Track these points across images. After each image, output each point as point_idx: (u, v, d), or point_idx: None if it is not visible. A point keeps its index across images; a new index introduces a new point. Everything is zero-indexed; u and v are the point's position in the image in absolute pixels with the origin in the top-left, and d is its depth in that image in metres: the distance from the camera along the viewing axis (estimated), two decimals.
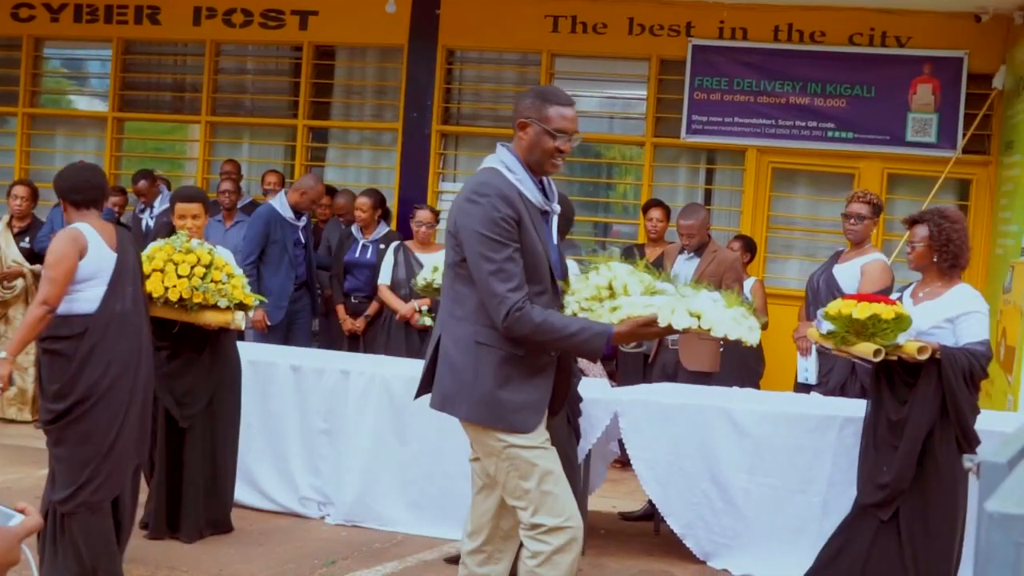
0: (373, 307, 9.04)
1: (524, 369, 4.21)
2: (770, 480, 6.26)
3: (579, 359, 8.75)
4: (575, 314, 4.32)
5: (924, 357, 5.40)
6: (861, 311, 5.51)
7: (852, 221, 7.05)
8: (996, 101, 9.78)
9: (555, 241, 4.39)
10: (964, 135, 9.84)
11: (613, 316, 4.23)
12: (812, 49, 10.11)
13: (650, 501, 6.83)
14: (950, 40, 9.89)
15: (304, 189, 9.10)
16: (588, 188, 11.08)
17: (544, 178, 4.36)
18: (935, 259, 5.69)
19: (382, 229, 9.28)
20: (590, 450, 6.51)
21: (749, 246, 9.08)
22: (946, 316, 5.57)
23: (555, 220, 4.39)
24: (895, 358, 5.51)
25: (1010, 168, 9.17)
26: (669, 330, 4.15)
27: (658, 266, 8.20)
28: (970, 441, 5.53)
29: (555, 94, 4.31)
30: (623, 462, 7.45)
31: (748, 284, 8.75)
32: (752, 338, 4.16)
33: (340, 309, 9.24)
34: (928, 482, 5.54)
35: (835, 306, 5.70)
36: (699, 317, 4.11)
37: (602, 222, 11.12)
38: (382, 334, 9.05)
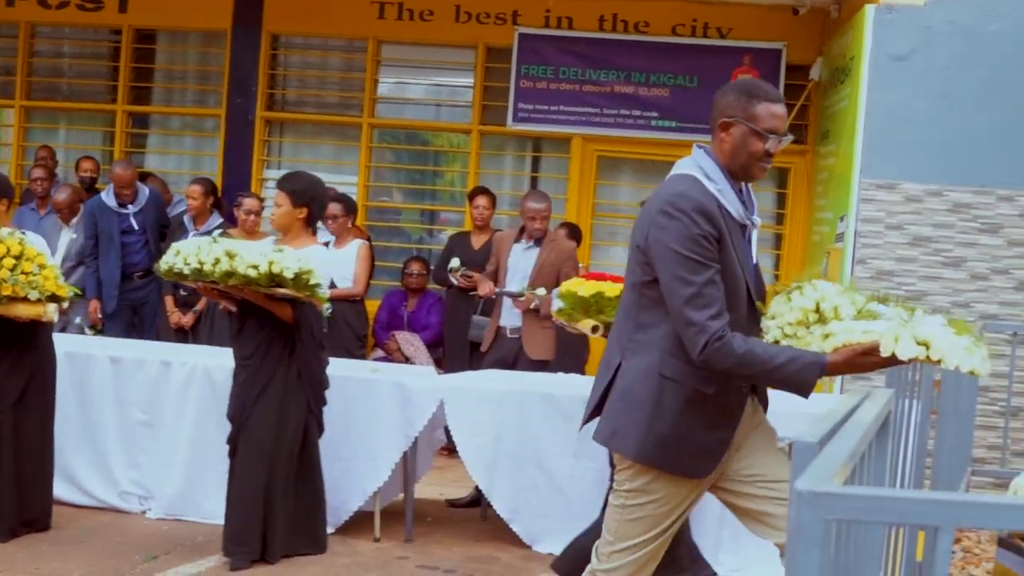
0: (203, 302, 8.86)
1: (711, 409, 3.74)
2: (595, 464, 6.32)
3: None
4: (777, 341, 3.80)
5: (597, 335, 5.58)
6: (587, 289, 5.65)
7: None
8: (813, 92, 10.04)
9: (754, 258, 3.92)
10: None
11: (826, 344, 3.67)
12: (636, 39, 10.24)
13: (477, 487, 6.85)
14: (769, 32, 10.12)
15: (111, 176, 8.98)
16: (415, 176, 11.03)
17: (744, 186, 3.89)
18: None
19: (215, 220, 9.10)
20: (416, 438, 6.49)
21: (575, 233, 9.16)
22: None
23: (755, 234, 3.91)
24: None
25: (826, 157, 9.43)
26: (892, 360, 3.59)
27: (486, 255, 8.27)
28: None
29: (763, 89, 3.81)
30: (450, 449, 7.45)
31: (579, 271, 8.82)
32: (984, 369, 3.65)
33: (169, 301, 9.04)
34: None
35: (566, 285, 5.86)
36: (927, 346, 3.56)
37: (428, 210, 11.09)
38: (205, 325, 8.89)
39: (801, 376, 3.58)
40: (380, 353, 9.43)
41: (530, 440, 6.43)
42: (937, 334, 3.55)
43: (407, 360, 9.13)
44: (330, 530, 6.54)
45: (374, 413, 6.51)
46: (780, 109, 3.77)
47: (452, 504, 7.43)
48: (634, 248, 3.77)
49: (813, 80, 9.94)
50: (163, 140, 11.37)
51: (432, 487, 7.63)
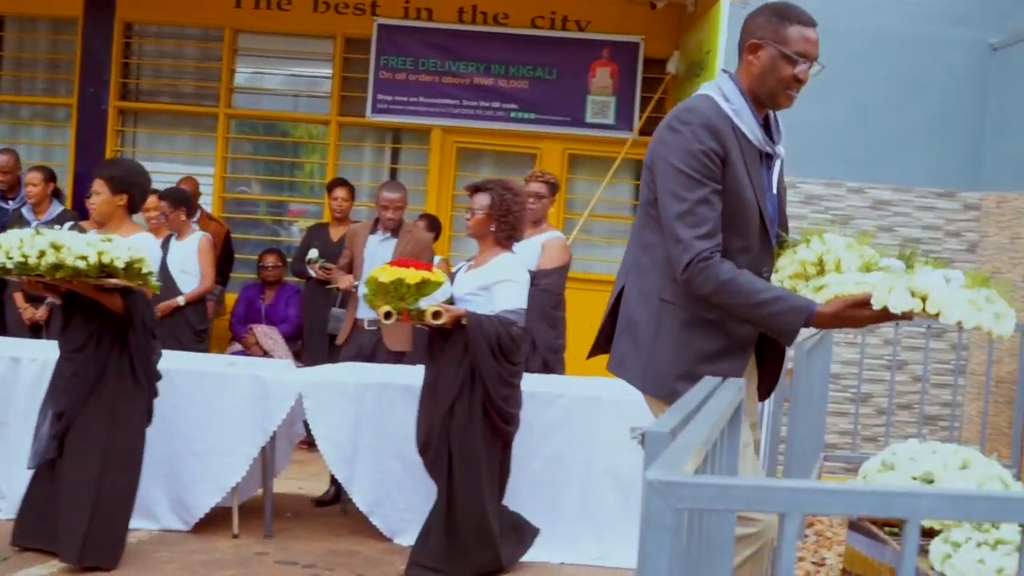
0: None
1: (714, 337, 3.50)
2: None
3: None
4: None
5: (438, 322, 5.60)
6: (387, 275, 5.65)
7: (531, 200, 7.22)
8: (670, 85, 10.16)
9: (774, 190, 3.67)
10: (640, 118, 10.18)
11: (818, 296, 3.40)
12: (495, 31, 10.25)
13: (335, 480, 6.81)
14: (627, 26, 10.22)
15: None
16: (273, 167, 10.90)
17: (772, 115, 3.67)
18: (493, 228, 5.87)
19: (55, 208, 8.87)
20: (275, 432, 6.42)
21: (434, 225, 9.14)
22: (482, 283, 5.77)
23: (779, 165, 3.66)
24: (437, 323, 5.68)
25: None
26: (884, 315, 3.29)
27: (341, 246, 8.19)
28: (497, 409, 5.77)
29: (795, 11, 3.58)
30: (309, 443, 7.38)
31: (434, 263, 8.81)
32: (1001, 328, 3.26)
33: (18, 297, 8.79)
34: (456, 443, 5.77)
35: (371, 271, 5.87)
36: (924, 299, 3.24)
37: (287, 201, 10.98)
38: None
39: (784, 319, 3.34)
40: (238, 347, 9.31)
41: (389, 433, 6.40)
42: (936, 285, 3.24)
43: (265, 353, 9.03)
44: (186, 527, 6.43)
45: (231, 408, 6.42)
46: (813, 34, 3.56)
47: (318, 503, 7.33)
48: (644, 167, 3.60)
49: (670, 73, 10.06)
50: (12, 130, 11.03)
51: (291, 481, 7.55)
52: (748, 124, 3.49)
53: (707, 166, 3.39)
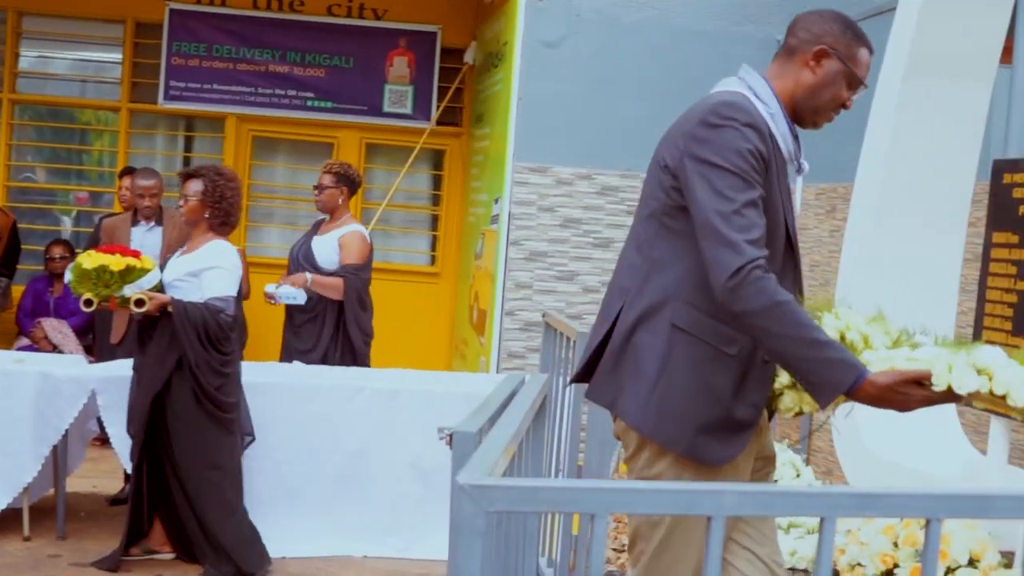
0: None
1: (731, 375, 3.02)
2: (255, 451, 6.23)
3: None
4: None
5: (141, 309, 5.56)
6: (91, 261, 5.59)
7: (316, 192, 7.19)
8: (468, 75, 10.19)
9: (796, 210, 3.39)
10: (438, 107, 10.19)
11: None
12: (291, 18, 10.10)
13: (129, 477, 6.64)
14: (424, 15, 10.20)
15: None
16: (61, 154, 10.53)
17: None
18: (207, 215, 5.85)
19: None
20: (67, 430, 6.22)
21: None
22: (190, 270, 5.76)
23: (800, 184, 3.34)
24: (141, 310, 5.59)
25: (481, 140, 9.60)
26: (942, 396, 2.88)
27: (96, 240, 7.88)
28: (211, 398, 5.74)
29: (863, 33, 3.22)
30: (103, 439, 7.15)
31: None
32: None
33: None
34: (170, 435, 5.74)
35: (78, 257, 5.79)
36: (990, 377, 2.89)
37: (75, 190, 10.63)
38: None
39: (833, 371, 2.84)
40: (25, 341, 8.98)
41: None
42: (999, 364, 2.92)
43: (55, 348, 8.73)
44: None
45: (19, 405, 6.18)
46: (869, 60, 3.24)
47: (113, 502, 7.11)
48: (657, 170, 3.17)
49: (468, 64, 10.10)
50: None
51: (85, 480, 7.32)
52: (782, 132, 3.13)
53: (755, 167, 2.98)
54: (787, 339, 2.84)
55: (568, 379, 3.46)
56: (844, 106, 3.20)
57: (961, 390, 2.85)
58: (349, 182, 7.21)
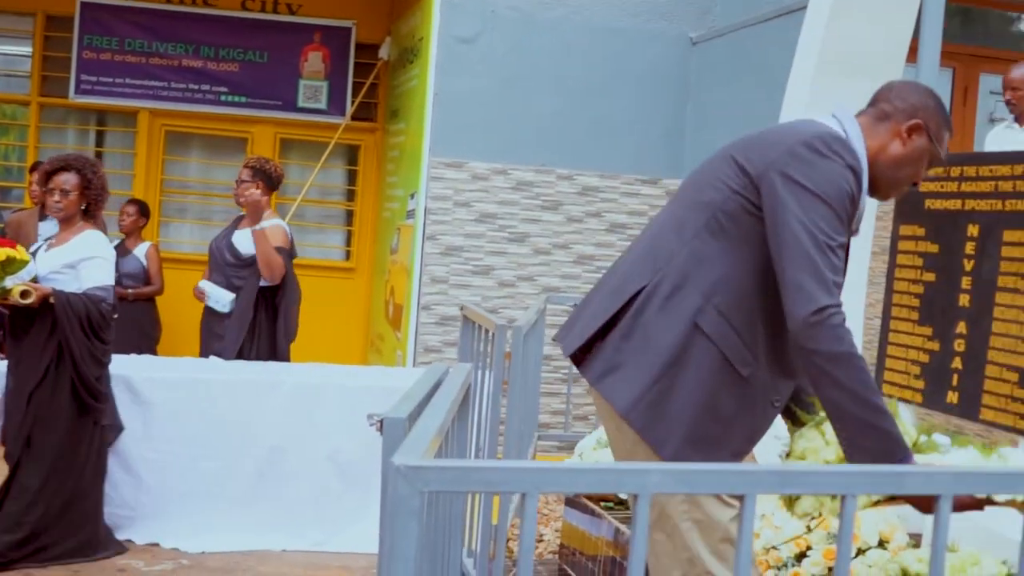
0: None
1: (736, 398, 2.92)
2: (172, 447, 6.21)
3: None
4: None
5: (27, 301, 5.55)
6: None
7: (236, 187, 7.20)
8: (382, 71, 10.22)
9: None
10: (353, 103, 10.20)
11: None
12: (205, 12, 10.05)
13: None
14: (339, 10, 10.20)
15: None
16: None
17: None
18: (83, 206, 5.86)
19: None
20: None
21: (144, 210, 8.91)
22: (66, 261, 5.76)
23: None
24: (26, 302, 5.52)
25: (396, 135, 9.63)
26: (984, 501, 2.70)
27: (2, 235, 7.78)
28: (89, 388, 5.74)
29: (949, 115, 3.12)
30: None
31: (143, 248, 8.62)
32: None
33: None
34: (50, 432, 5.70)
35: None
36: None
37: None
38: None
39: (883, 441, 2.70)
40: None
41: None
42: None
43: None
44: None
45: None
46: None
47: None
48: (729, 164, 2.99)
49: (383, 59, 10.12)
50: None
51: None
52: (863, 190, 2.97)
53: (847, 211, 2.86)
54: (850, 392, 2.70)
55: (563, 346, 3.17)
56: (916, 184, 3.11)
57: (1000, 498, 2.67)
58: (266, 177, 7.19)
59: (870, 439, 2.69)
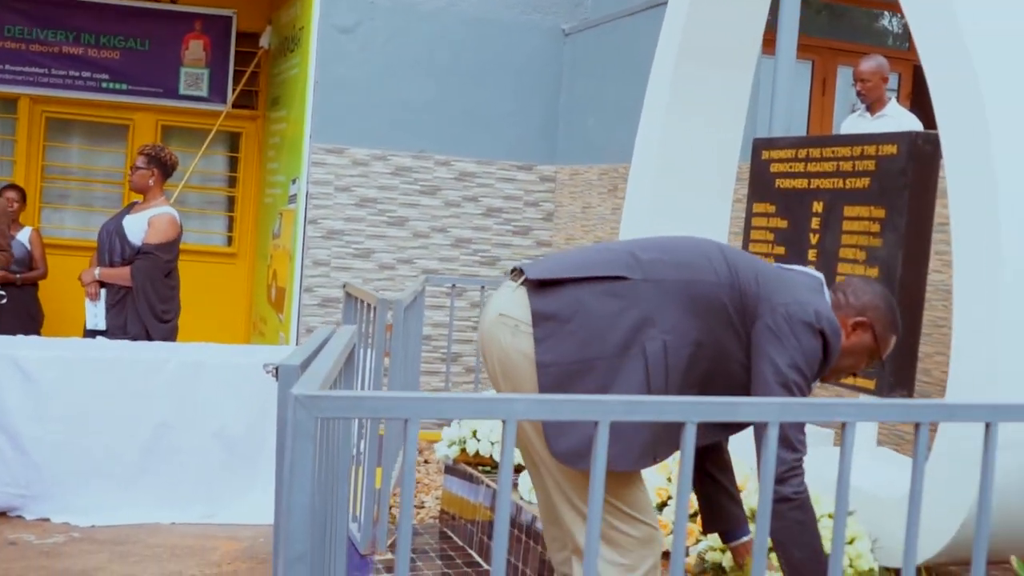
0: None
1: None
2: (61, 425, 6.33)
3: None
4: None
5: None
6: None
7: (131, 172, 7.33)
8: (263, 59, 10.37)
9: None
10: (234, 90, 10.34)
11: None
12: (85, 0, 10.11)
13: None
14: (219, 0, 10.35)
15: None
16: None
17: None
18: None
19: None
20: None
21: (23, 196, 8.96)
22: None
23: None
24: None
25: (277, 122, 9.80)
26: None
27: None
28: None
29: (899, 321, 3.37)
30: None
31: (26, 234, 8.68)
32: None
33: None
34: None
35: None
36: None
37: None
38: None
39: (802, 571, 3.07)
40: None
41: None
42: None
43: None
44: None
45: None
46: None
47: None
48: (724, 264, 3.22)
49: (263, 48, 10.27)
50: None
51: None
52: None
53: (809, 383, 3.15)
54: (809, 535, 3.05)
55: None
56: (854, 374, 3.37)
57: None
58: (160, 164, 7.34)
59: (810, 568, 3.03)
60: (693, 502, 4.17)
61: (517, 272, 3.26)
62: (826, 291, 3.28)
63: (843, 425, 2.41)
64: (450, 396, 2.16)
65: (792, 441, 3.00)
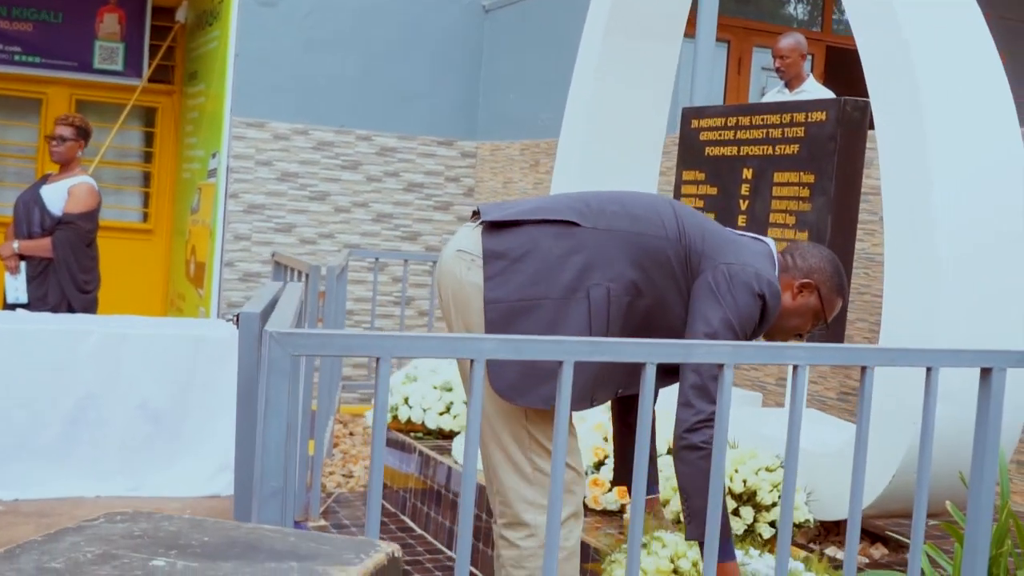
0: None
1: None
2: None
3: None
4: None
5: None
6: None
7: (55, 143, 7.21)
8: (179, 34, 10.27)
9: None
10: (149, 65, 10.22)
11: None
12: None
13: None
14: None
15: None
16: None
17: None
18: None
19: None
20: None
21: None
22: None
23: None
24: None
25: (195, 97, 9.72)
26: None
27: None
28: None
29: (845, 284, 3.45)
30: None
31: None
32: None
33: None
34: None
35: None
36: None
37: None
38: None
39: (725, 530, 3.09)
40: None
41: None
42: None
43: None
44: None
45: None
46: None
47: None
48: (675, 219, 3.29)
49: (179, 22, 10.17)
50: None
51: None
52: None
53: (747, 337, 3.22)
54: (701, 481, 3.01)
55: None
56: (800, 336, 3.42)
57: None
58: (87, 135, 7.29)
59: (697, 522, 3.02)
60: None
61: (475, 214, 3.34)
62: (775, 257, 3.36)
63: (794, 368, 2.49)
64: (421, 336, 2.21)
65: (712, 393, 3.04)
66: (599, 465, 4.34)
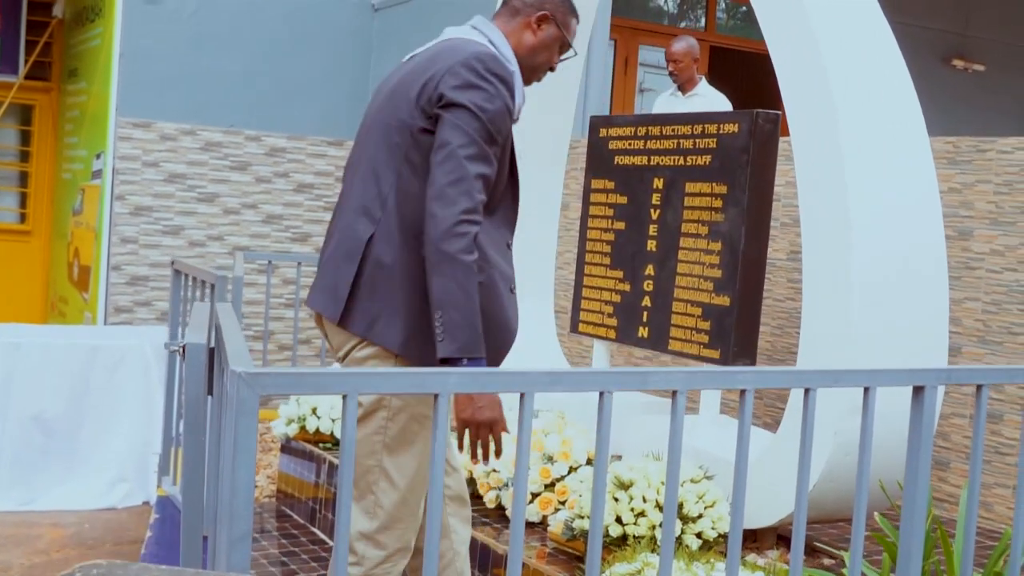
0: None
1: (483, 294, 3.04)
2: None
3: None
4: None
5: None
6: None
7: None
8: (57, 30, 10.02)
9: None
10: (26, 61, 9.96)
11: None
12: None
13: None
14: None
15: None
16: None
17: None
18: None
19: None
20: None
21: None
22: None
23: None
24: None
25: (76, 95, 9.50)
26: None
27: None
28: None
29: (575, 4, 3.40)
30: None
31: None
32: None
33: None
34: None
35: None
36: None
37: None
38: None
39: (463, 332, 2.93)
40: None
41: None
42: None
43: None
44: None
45: None
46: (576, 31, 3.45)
47: None
48: (405, 100, 3.15)
49: (57, 18, 9.93)
50: None
51: None
52: (520, 89, 3.25)
53: (501, 131, 3.10)
54: (462, 286, 2.92)
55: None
56: (552, 68, 3.38)
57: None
58: None
59: (451, 331, 2.89)
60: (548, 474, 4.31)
61: None
62: (486, 25, 3.30)
63: (741, 392, 2.53)
64: (387, 371, 2.20)
65: (453, 196, 2.96)
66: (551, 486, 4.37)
